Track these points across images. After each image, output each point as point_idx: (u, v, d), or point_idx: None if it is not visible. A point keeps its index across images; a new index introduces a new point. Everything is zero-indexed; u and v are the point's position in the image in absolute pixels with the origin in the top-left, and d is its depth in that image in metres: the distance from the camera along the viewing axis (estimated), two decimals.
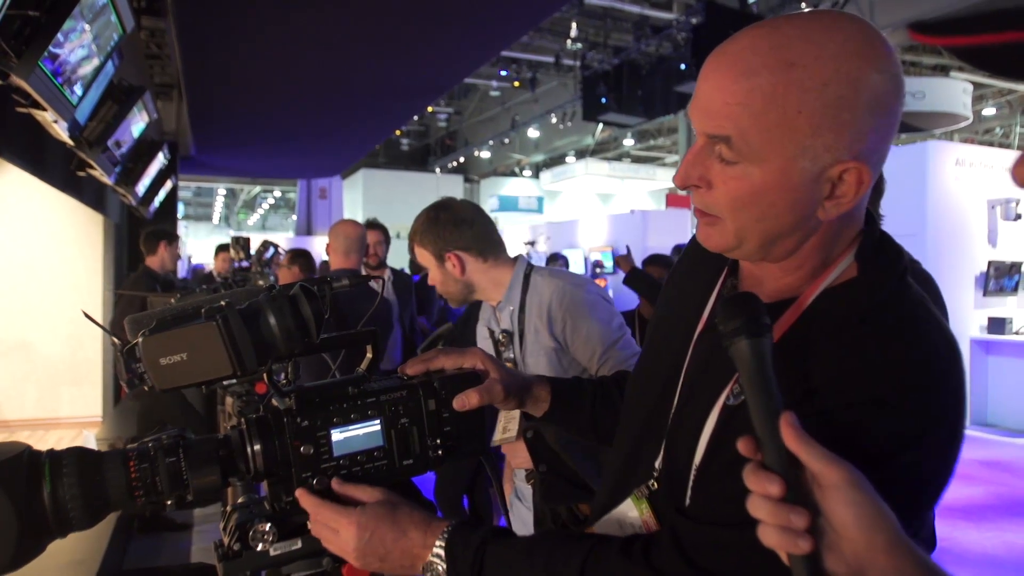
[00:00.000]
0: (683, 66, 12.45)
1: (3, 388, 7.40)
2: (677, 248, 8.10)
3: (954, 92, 13.72)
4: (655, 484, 0.99)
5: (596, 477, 1.80)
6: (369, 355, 1.07)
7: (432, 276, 2.26)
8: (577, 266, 13.78)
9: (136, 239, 5.67)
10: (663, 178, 25.37)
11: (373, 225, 4.96)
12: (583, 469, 1.78)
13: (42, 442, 6.50)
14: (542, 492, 1.72)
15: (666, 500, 0.96)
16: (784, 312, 0.90)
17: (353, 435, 0.99)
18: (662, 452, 0.99)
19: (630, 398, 1.15)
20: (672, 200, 16.27)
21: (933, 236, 7.89)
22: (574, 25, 14.96)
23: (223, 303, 0.87)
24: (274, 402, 1.00)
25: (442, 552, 0.95)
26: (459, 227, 2.18)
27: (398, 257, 13.85)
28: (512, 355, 2.17)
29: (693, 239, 1.17)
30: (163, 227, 5.79)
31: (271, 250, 5.87)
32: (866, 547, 0.66)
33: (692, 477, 0.90)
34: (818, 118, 0.82)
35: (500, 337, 2.22)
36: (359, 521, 0.95)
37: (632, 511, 1.01)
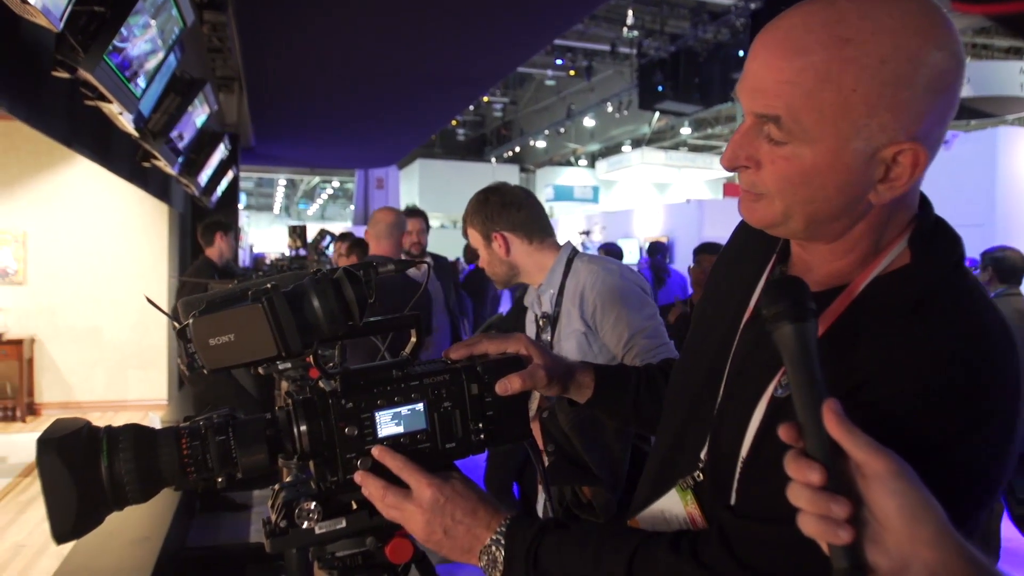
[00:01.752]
0: (741, 53, 12.21)
1: (75, 371, 7.72)
2: None
3: (1006, 75, 13.06)
4: (700, 476, 0.98)
5: (602, 464, 1.81)
6: (413, 339, 1.09)
7: (481, 257, 2.35)
8: (632, 256, 13.68)
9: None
10: (720, 167, 24.91)
11: (414, 212, 4.99)
12: (590, 455, 1.79)
13: (110, 424, 6.77)
14: (549, 472, 1.75)
15: (711, 492, 0.95)
16: (835, 299, 0.88)
17: (396, 417, 1.00)
18: (707, 443, 0.98)
19: (674, 386, 1.14)
20: (729, 189, 16.03)
21: (1003, 226, 7.60)
22: (630, 12, 14.79)
23: (269, 286, 0.89)
24: (320, 384, 1.02)
25: (502, 537, 0.95)
26: (507, 209, 2.27)
27: (454, 245, 13.94)
28: (548, 337, 2.22)
29: (739, 226, 1.15)
30: (218, 218, 5.94)
31: (327, 239, 5.98)
32: (910, 540, 0.65)
33: (738, 470, 0.89)
34: (874, 97, 0.79)
35: (540, 321, 2.27)
36: (439, 484, 0.96)
37: (676, 502, 1.00)
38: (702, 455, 0.98)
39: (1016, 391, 0.81)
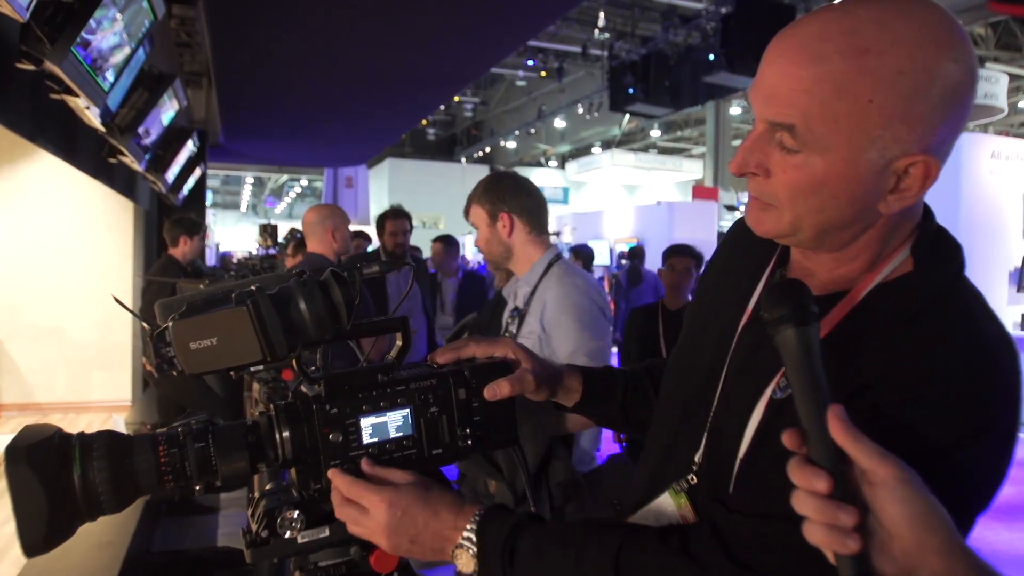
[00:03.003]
0: (712, 57, 12.29)
1: (36, 372, 7.53)
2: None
3: None
4: (694, 478, 0.97)
5: (511, 466, 1.89)
6: (399, 342, 1.06)
7: (480, 236, 2.40)
8: (602, 257, 13.74)
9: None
10: (689, 169, 25.17)
11: (398, 213, 4.93)
12: (504, 454, 1.85)
13: (73, 425, 6.58)
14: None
15: (708, 494, 0.93)
16: (836, 305, 0.87)
17: (382, 423, 0.98)
18: (703, 445, 0.97)
19: (667, 389, 1.12)
20: (699, 192, 16.15)
21: (966, 230, 7.73)
22: (602, 14, 14.85)
23: (253, 287, 0.86)
24: (303, 389, 0.99)
25: (473, 535, 0.93)
26: (519, 194, 2.35)
27: (424, 245, 13.85)
28: (515, 330, 2.32)
29: (734, 227, 1.14)
30: (187, 217, 5.82)
31: (299, 238, 5.91)
32: (918, 548, 0.64)
33: (736, 470, 0.88)
34: (890, 108, 0.79)
35: (510, 316, 2.36)
36: (391, 499, 0.93)
37: (670, 505, 0.98)
38: (696, 458, 0.97)
39: (1016, 400, 0.81)
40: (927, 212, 0.92)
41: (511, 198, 2.33)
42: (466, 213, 2.44)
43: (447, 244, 5.89)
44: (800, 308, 0.72)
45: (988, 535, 4.72)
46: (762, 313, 0.74)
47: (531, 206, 2.35)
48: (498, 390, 1.02)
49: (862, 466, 0.66)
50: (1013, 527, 4.90)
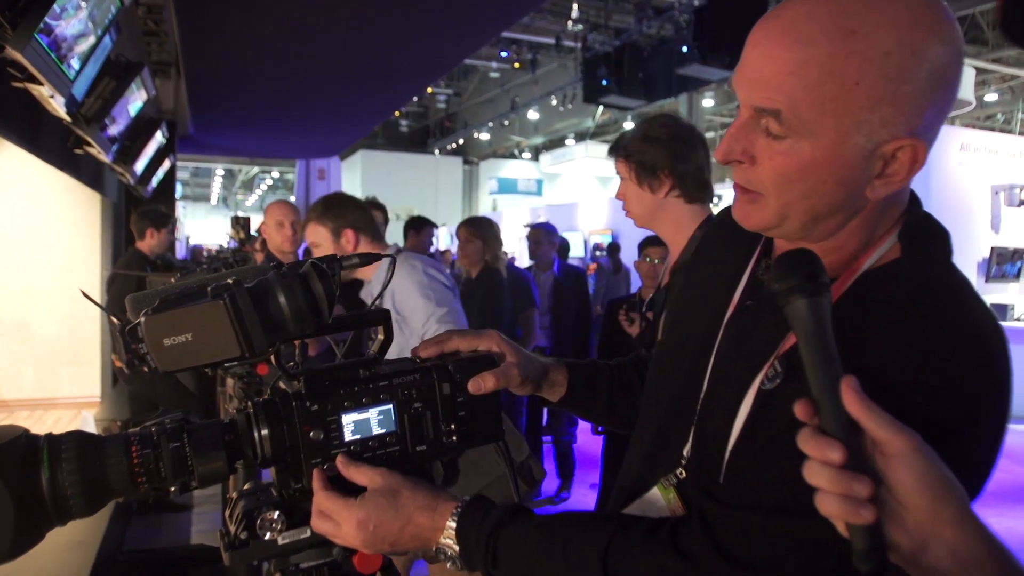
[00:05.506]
0: (685, 49, 12.30)
1: (1, 368, 7.36)
2: None
3: None
4: (683, 473, 0.95)
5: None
6: (381, 336, 1.03)
7: (323, 251, 2.70)
8: (577, 249, 13.74)
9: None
10: None
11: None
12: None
13: (40, 422, 6.47)
14: None
15: (697, 488, 0.92)
16: None
17: (365, 420, 0.95)
18: (691, 439, 0.95)
19: (653, 383, 1.11)
20: None
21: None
22: (575, 6, 14.80)
23: (230, 281, 0.82)
24: (282, 385, 0.96)
25: (452, 538, 0.91)
26: (356, 210, 2.72)
27: (396, 238, 13.78)
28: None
29: (717, 219, 1.13)
30: (154, 209, 5.69)
31: None
32: (931, 518, 0.64)
33: (725, 462, 0.87)
34: (878, 91, 0.77)
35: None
36: (359, 518, 0.91)
37: (659, 500, 0.97)
38: (684, 452, 0.96)
39: (1006, 389, 0.81)
40: (914, 198, 0.91)
41: (351, 214, 2.67)
42: (301, 232, 2.81)
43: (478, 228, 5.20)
44: (811, 278, 0.71)
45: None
46: (773, 284, 0.73)
47: (368, 219, 2.71)
48: (483, 384, 1.00)
49: (876, 437, 0.66)
50: (983, 513, 4.98)
